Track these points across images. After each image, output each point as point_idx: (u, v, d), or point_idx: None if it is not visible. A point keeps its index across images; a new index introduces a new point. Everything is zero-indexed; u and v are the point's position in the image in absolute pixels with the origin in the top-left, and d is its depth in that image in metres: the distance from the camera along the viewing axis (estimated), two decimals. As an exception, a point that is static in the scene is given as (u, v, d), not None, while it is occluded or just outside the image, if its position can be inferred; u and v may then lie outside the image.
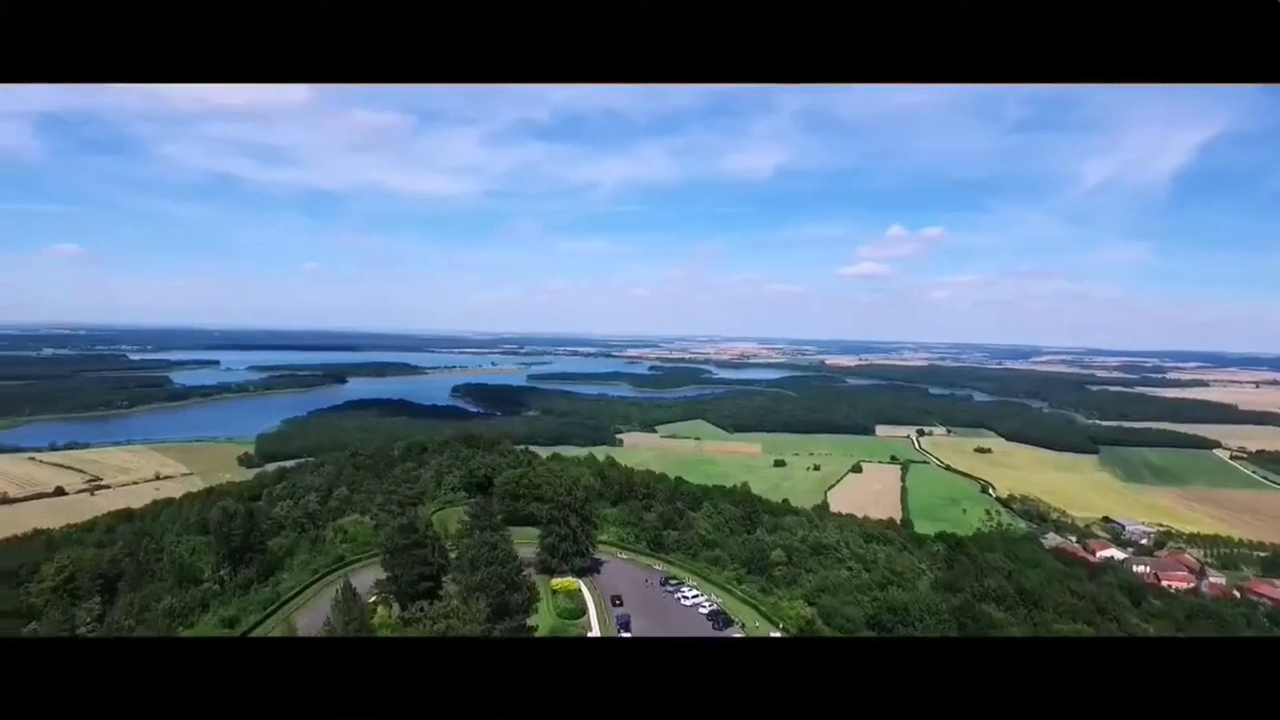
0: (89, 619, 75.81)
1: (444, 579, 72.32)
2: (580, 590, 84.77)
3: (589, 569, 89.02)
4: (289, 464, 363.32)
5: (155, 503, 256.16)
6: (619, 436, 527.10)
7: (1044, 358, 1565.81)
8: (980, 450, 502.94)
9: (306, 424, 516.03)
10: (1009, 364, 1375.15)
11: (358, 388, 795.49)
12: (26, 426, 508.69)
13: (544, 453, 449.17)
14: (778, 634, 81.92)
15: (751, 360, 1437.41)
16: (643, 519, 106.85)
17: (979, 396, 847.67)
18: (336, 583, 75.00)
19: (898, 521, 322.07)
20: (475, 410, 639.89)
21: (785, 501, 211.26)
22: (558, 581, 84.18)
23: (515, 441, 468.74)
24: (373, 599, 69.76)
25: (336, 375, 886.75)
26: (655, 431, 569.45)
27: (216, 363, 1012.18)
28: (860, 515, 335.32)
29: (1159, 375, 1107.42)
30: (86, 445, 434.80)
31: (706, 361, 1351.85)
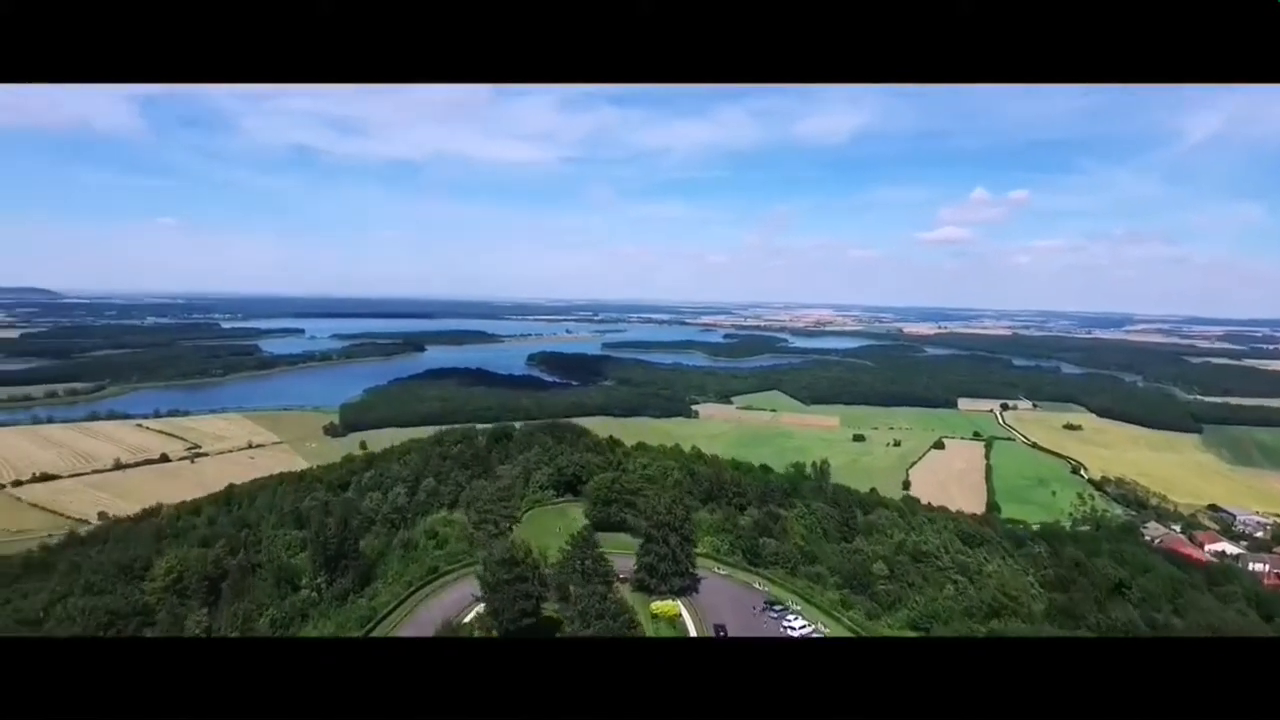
0: (197, 630, 77.63)
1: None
2: (681, 615, 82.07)
3: (688, 588, 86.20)
4: (373, 434, 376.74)
5: (252, 482, 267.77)
6: (694, 408, 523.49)
7: (1137, 327, 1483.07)
8: (1069, 427, 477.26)
9: (388, 393, 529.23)
10: (1098, 333, 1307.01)
11: (436, 356, 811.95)
12: (134, 394, 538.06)
13: (620, 425, 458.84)
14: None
15: (827, 328, 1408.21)
16: (737, 525, 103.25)
17: (1067, 368, 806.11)
18: (432, 596, 74.27)
19: (983, 503, 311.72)
20: (551, 380, 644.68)
21: (873, 491, 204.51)
22: (658, 605, 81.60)
23: (590, 413, 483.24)
24: (475, 632, 68.81)
25: (415, 343, 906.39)
26: (731, 403, 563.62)
27: (302, 331, 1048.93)
28: (944, 496, 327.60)
29: (1270, 346, 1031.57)
30: (186, 413, 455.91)
31: (781, 329, 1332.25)
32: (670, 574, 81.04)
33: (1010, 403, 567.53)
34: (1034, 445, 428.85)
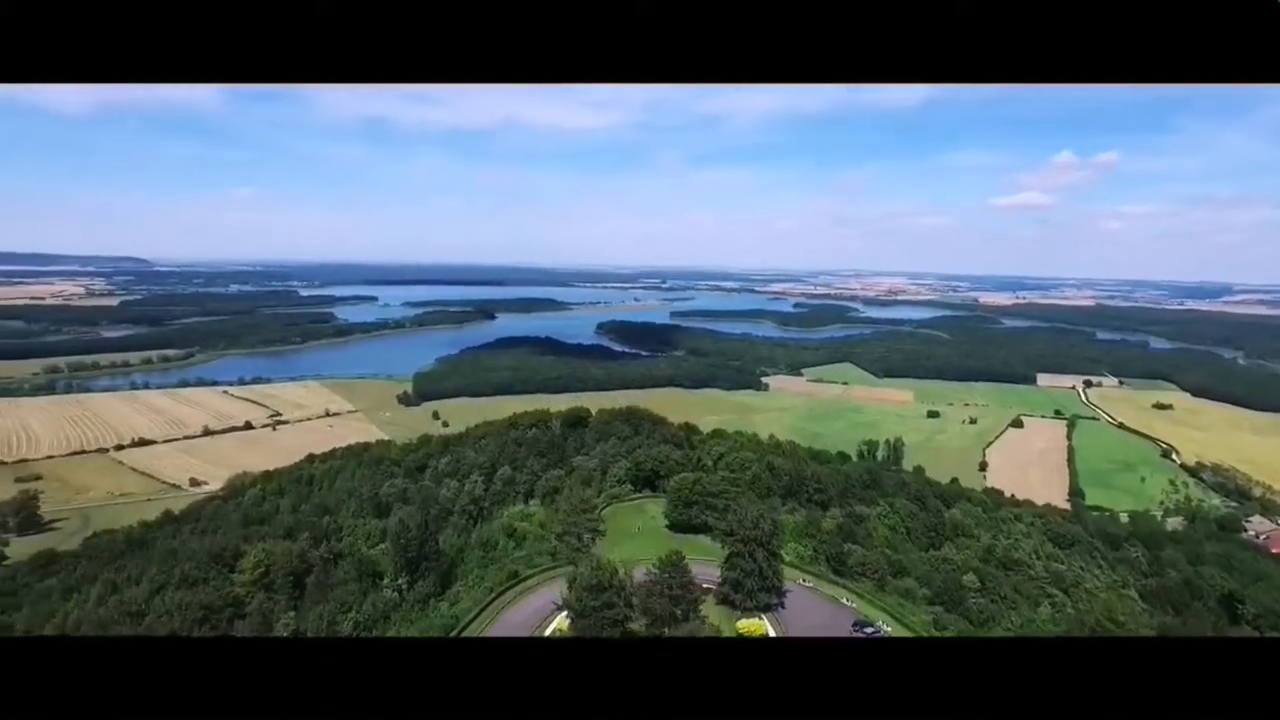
0: (285, 633, 79.07)
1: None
2: (768, 634, 79.38)
3: (774, 604, 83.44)
4: (445, 403, 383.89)
5: (329, 459, 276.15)
6: (764, 380, 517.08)
7: (1237, 297, 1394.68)
8: (1159, 406, 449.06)
9: (459, 362, 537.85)
10: (1192, 304, 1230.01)
11: (506, 324, 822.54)
12: (221, 360, 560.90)
13: (689, 397, 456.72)
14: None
15: (899, 297, 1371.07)
16: (820, 528, 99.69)
17: (1156, 342, 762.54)
18: (512, 605, 73.58)
19: (1066, 487, 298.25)
20: (620, 349, 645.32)
21: (954, 481, 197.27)
22: (744, 624, 79.06)
23: (660, 384, 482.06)
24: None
25: (485, 311, 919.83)
26: (801, 374, 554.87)
27: (375, 298, 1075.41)
28: (1023, 479, 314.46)
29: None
30: (268, 380, 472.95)
31: (853, 298, 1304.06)
32: (757, 590, 78.41)
33: (1094, 379, 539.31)
34: (1120, 425, 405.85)
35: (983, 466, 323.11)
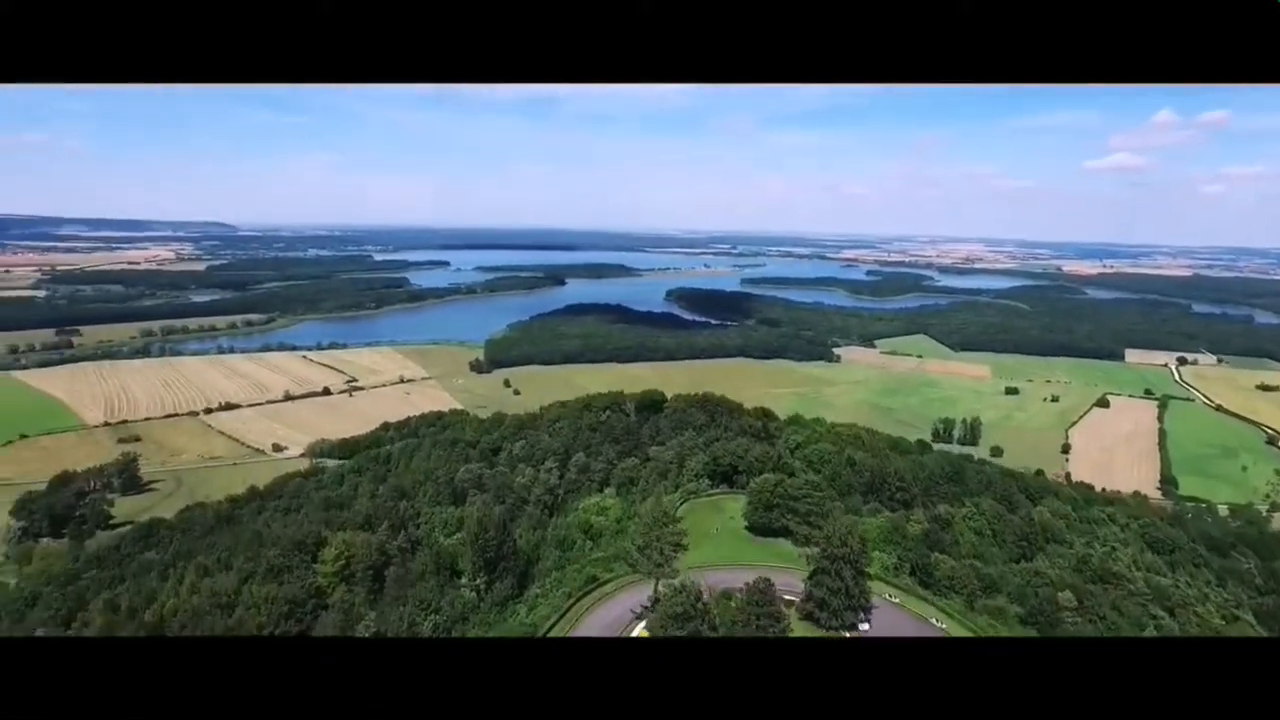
0: (366, 634, 79.83)
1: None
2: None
3: (860, 623, 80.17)
4: (516, 371, 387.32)
5: (406, 423, 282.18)
6: (836, 351, 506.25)
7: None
8: (1264, 388, 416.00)
9: (529, 328, 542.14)
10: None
11: (576, 289, 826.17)
12: (300, 325, 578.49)
13: (760, 368, 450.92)
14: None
15: (976, 265, 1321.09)
16: (905, 535, 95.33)
17: (1262, 316, 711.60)
18: (589, 612, 72.52)
19: (1157, 474, 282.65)
20: (690, 318, 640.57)
21: (1039, 473, 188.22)
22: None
23: (730, 354, 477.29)
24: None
25: (555, 277, 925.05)
26: (874, 346, 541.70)
27: (447, 263, 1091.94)
28: (1109, 463, 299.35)
29: None
30: (344, 345, 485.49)
31: (928, 265, 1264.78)
32: (843, 609, 75.13)
33: (1189, 356, 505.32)
34: (1219, 408, 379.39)
35: (1065, 449, 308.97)
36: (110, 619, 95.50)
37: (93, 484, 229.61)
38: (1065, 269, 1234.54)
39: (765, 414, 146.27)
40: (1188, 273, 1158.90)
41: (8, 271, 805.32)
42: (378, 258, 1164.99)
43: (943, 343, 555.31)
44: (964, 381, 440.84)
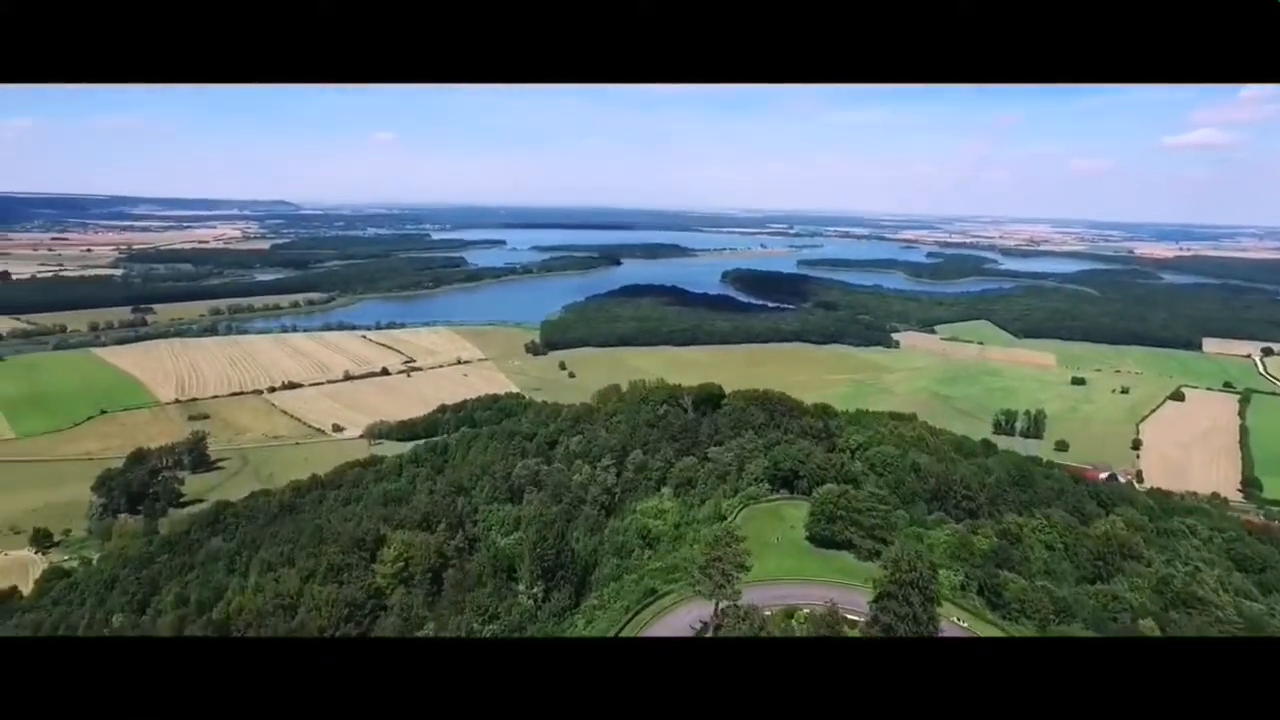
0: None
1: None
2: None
3: (927, 650, 77.07)
4: (571, 353, 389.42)
5: (462, 405, 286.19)
6: (895, 336, 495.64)
7: None
8: None
9: (585, 310, 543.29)
10: None
11: (631, 270, 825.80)
12: (359, 304, 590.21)
13: (817, 353, 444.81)
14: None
15: (1042, 247, 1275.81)
16: (972, 549, 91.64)
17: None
18: (647, 627, 71.52)
19: (1237, 474, 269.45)
20: (746, 300, 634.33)
21: (1111, 478, 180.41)
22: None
23: (786, 338, 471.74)
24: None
25: (611, 257, 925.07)
26: (934, 331, 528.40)
27: (503, 242, 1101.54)
28: (1185, 461, 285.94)
29: None
30: (402, 325, 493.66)
31: (990, 247, 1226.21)
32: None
33: (1275, 346, 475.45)
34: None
35: (1136, 444, 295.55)
36: (182, 613, 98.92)
37: (165, 461, 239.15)
38: (1138, 252, 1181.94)
39: (826, 412, 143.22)
40: (1276, 256, 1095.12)
41: (89, 250, 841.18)
42: (435, 236, 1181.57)
43: (1005, 329, 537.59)
44: (1027, 370, 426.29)
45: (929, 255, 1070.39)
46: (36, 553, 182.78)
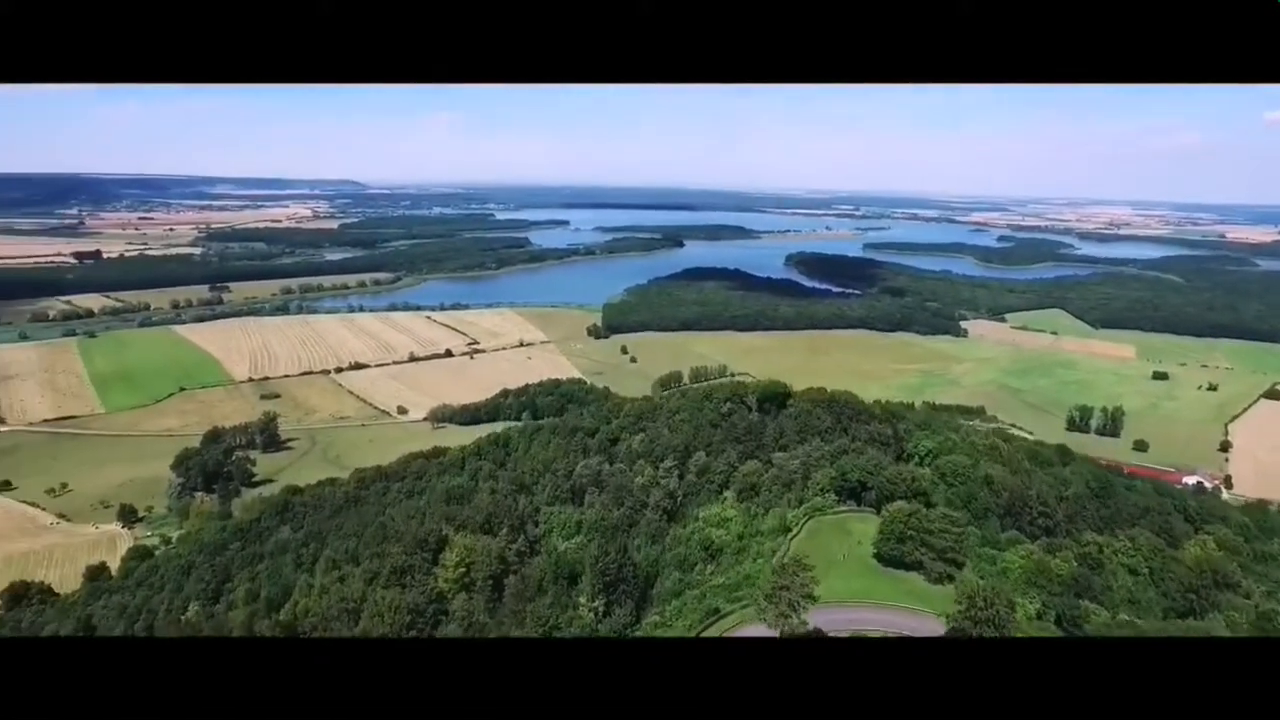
0: None
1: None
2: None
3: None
4: (633, 337, 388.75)
5: (524, 390, 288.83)
6: (963, 325, 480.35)
7: None
8: None
9: (647, 293, 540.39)
10: None
11: (694, 251, 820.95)
12: (424, 285, 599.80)
13: (882, 341, 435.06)
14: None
15: (1123, 231, 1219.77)
16: (1050, 574, 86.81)
17: None
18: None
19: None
20: (810, 284, 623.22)
21: (1200, 488, 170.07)
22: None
23: (851, 325, 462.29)
24: None
25: (674, 238, 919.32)
26: (1004, 320, 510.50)
27: (566, 222, 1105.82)
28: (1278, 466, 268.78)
29: None
30: (466, 306, 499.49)
31: (1066, 231, 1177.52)
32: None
33: None
34: None
35: (1224, 447, 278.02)
36: (252, 609, 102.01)
37: (238, 440, 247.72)
38: (1230, 236, 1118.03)
39: (894, 415, 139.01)
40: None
41: (171, 230, 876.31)
42: (499, 216, 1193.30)
43: (1081, 318, 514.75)
44: (1105, 363, 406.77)
45: (1000, 239, 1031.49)
46: (124, 527, 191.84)
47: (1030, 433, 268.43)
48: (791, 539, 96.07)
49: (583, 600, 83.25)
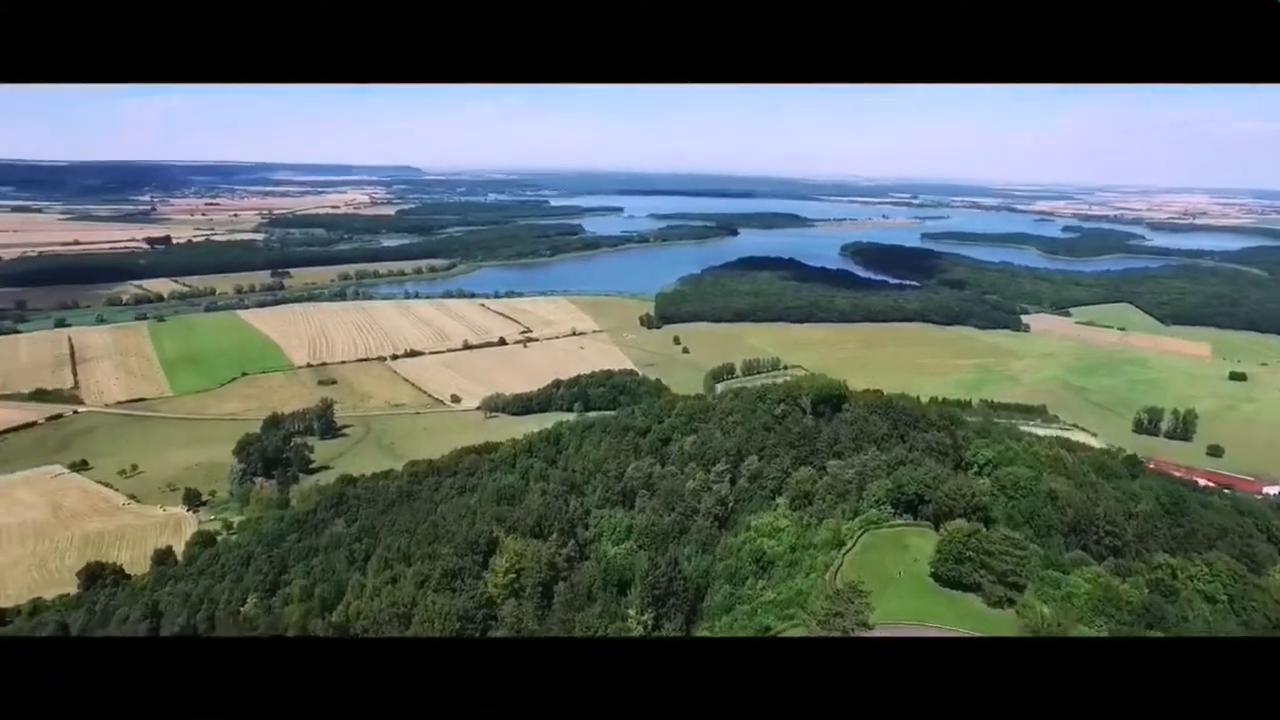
0: None
1: None
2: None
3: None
4: (685, 327, 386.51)
5: (576, 381, 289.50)
6: (1024, 319, 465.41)
7: None
8: None
9: (700, 282, 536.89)
10: None
11: (748, 240, 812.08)
12: (478, 272, 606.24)
13: (940, 335, 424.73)
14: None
15: (1199, 220, 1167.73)
16: (1119, 601, 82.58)
17: None
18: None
19: None
20: (866, 275, 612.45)
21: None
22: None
23: (908, 318, 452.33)
24: None
25: (728, 227, 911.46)
26: (1068, 314, 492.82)
27: (620, 209, 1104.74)
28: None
29: None
30: (519, 294, 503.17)
31: (1137, 220, 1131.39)
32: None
33: None
34: None
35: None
36: (306, 607, 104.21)
37: (297, 426, 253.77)
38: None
39: (952, 422, 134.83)
40: None
41: (235, 216, 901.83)
42: (553, 203, 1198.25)
43: (1151, 314, 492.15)
44: (1177, 361, 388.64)
45: (1065, 229, 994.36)
46: (189, 510, 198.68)
47: (1094, 434, 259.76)
48: (845, 554, 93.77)
49: (631, 613, 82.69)
